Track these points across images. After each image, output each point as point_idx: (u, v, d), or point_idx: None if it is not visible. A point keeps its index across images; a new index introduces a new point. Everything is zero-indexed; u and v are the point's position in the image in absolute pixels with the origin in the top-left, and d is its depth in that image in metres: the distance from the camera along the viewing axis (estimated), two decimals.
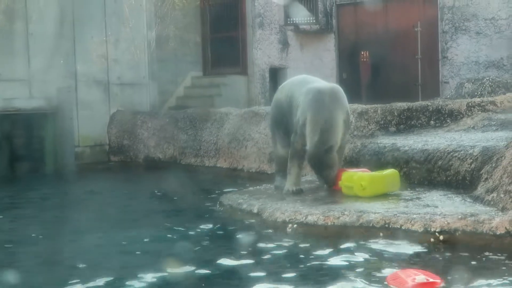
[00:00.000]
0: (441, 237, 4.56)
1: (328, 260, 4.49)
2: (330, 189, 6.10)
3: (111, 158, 11.67)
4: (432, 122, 7.86)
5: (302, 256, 4.69)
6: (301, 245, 4.97)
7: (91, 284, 4.15)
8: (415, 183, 6.33)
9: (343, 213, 5.10)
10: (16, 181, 9.89)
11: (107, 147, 11.74)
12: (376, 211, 5.05)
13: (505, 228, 4.42)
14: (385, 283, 3.90)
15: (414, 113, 7.95)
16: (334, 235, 4.97)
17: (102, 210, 7.21)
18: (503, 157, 5.27)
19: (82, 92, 11.40)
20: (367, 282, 3.93)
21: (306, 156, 6.00)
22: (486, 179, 5.40)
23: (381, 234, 4.79)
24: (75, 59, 11.36)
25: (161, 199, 7.84)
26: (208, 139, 10.09)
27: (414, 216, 4.81)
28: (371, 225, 4.87)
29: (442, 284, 3.81)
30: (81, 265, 4.66)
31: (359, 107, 8.22)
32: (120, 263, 4.76)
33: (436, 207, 5.14)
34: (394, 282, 3.86)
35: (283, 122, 6.40)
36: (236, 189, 7.09)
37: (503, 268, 4.08)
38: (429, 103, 8.26)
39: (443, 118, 7.85)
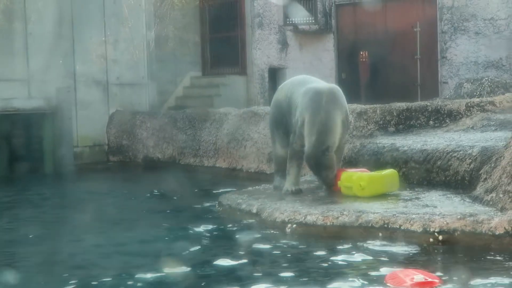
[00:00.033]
0: (440, 237, 4.57)
1: (327, 260, 4.49)
2: (329, 190, 6.10)
3: (110, 158, 11.66)
4: (431, 122, 7.86)
5: (301, 256, 4.70)
6: (300, 245, 4.98)
7: (90, 284, 4.15)
8: (414, 183, 6.33)
9: (342, 213, 5.10)
10: (15, 181, 9.89)
11: (106, 147, 11.73)
12: (375, 211, 5.05)
13: (504, 228, 4.42)
14: (384, 282, 3.90)
15: (413, 113, 7.96)
16: (333, 235, 4.98)
17: (101, 210, 7.21)
18: (502, 157, 5.28)
19: (81, 92, 11.40)
20: (366, 282, 3.94)
21: (304, 156, 6.00)
22: (485, 179, 5.40)
23: (380, 234, 4.80)
24: (74, 59, 11.36)
25: (160, 199, 7.84)
26: (207, 139, 10.09)
27: (413, 216, 4.81)
28: (370, 225, 4.87)
29: (441, 284, 3.82)
30: (80, 265, 4.67)
31: (358, 107, 8.22)
32: (119, 263, 4.76)
33: (435, 207, 5.15)
34: (392, 281, 3.87)
35: (282, 122, 6.40)
36: (235, 189, 7.09)
37: (502, 268, 4.09)
38: (428, 103, 8.26)
39: (442, 118, 7.85)
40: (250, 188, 6.84)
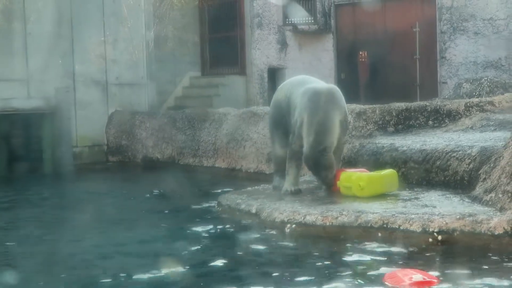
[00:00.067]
0: (439, 237, 4.56)
1: (326, 260, 4.49)
2: (329, 190, 6.10)
3: (109, 158, 11.66)
4: (430, 122, 7.86)
5: (300, 256, 4.70)
6: (299, 245, 4.98)
7: (89, 284, 4.15)
8: (413, 183, 6.33)
9: (341, 213, 5.10)
10: (14, 181, 9.88)
11: (105, 147, 11.73)
12: (375, 211, 5.05)
13: (503, 228, 4.42)
14: (383, 281, 3.91)
15: (412, 113, 7.96)
16: (333, 235, 4.97)
17: (100, 210, 7.21)
18: (501, 157, 5.28)
19: (80, 92, 11.40)
20: (365, 282, 3.94)
21: (303, 157, 6.00)
22: (484, 179, 5.40)
23: (379, 234, 4.79)
24: (73, 59, 11.36)
25: (159, 199, 7.84)
26: (207, 139, 10.09)
27: (413, 216, 4.81)
28: (369, 225, 4.87)
29: (439, 284, 3.82)
30: (79, 265, 4.67)
31: (357, 107, 8.22)
32: (118, 263, 4.76)
33: (434, 207, 5.15)
34: (391, 280, 3.88)
35: (282, 123, 6.40)
36: (234, 189, 7.09)
37: (501, 268, 4.09)
38: (427, 103, 8.26)
39: (441, 118, 7.86)
40: (249, 188, 6.84)
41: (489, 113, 7.78)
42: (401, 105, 8.12)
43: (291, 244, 5.02)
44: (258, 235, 5.28)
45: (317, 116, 5.88)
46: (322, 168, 5.95)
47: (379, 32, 14.46)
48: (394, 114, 7.99)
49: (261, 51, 14.70)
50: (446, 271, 4.04)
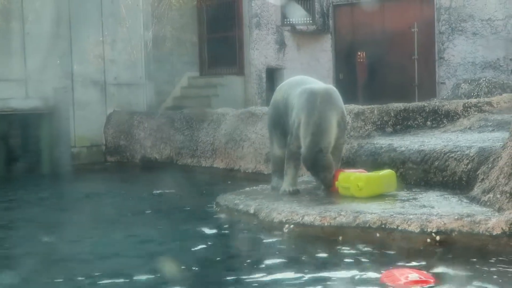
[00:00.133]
0: (438, 238, 4.57)
1: (324, 260, 4.49)
2: (327, 191, 6.10)
3: (108, 159, 11.66)
4: (428, 122, 7.87)
5: (298, 256, 4.70)
6: (298, 246, 4.98)
7: (88, 284, 4.15)
8: (412, 183, 6.33)
9: (339, 213, 5.10)
10: (12, 182, 9.87)
11: (103, 147, 11.73)
12: (373, 212, 5.05)
13: (501, 228, 4.42)
14: (380, 280, 3.91)
15: (410, 114, 7.96)
16: (331, 236, 4.97)
17: (98, 210, 7.21)
18: (499, 158, 5.28)
19: (79, 93, 11.39)
20: (363, 282, 3.94)
21: (301, 158, 6.00)
22: (483, 179, 5.40)
23: (377, 234, 4.79)
24: (72, 59, 11.35)
25: (158, 199, 7.84)
26: (205, 140, 10.09)
27: (411, 216, 4.81)
28: (367, 225, 4.87)
29: (436, 284, 3.83)
30: (78, 266, 4.66)
31: (355, 107, 8.22)
32: (117, 263, 4.75)
33: (433, 207, 5.15)
34: (387, 279, 3.90)
35: (280, 123, 6.40)
36: (233, 190, 7.09)
37: (499, 268, 4.09)
38: (425, 104, 8.26)
39: (440, 118, 7.86)
40: (247, 189, 6.84)
41: (487, 113, 7.78)
42: (399, 105, 8.12)
43: (289, 245, 5.01)
44: (256, 236, 5.28)
45: (314, 117, 5.88)
46: (320, 169, 5.94)
47: (377, 33, 14.47)
48: (392, 114, 7.99)
49: (259, 51, 14.69)
50: (444, 271, 4.04)
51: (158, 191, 8.15)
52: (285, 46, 15.07)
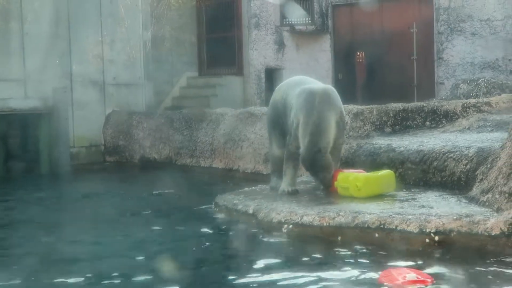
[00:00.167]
0: (436, 238, 4.57)
1: (323, 260, 4.50)
2: (326, 191, 6.10)
3: (107, 159, 11.65)
4: (427, 123, 7.87)
5: (297, 256, 4.70)
6: (297, 246, 4.98)
7: (87, 284, 4.15)
8: (411, 184, 6.34)
9: (338, 213, 5.11)
10: (11, 182, 9.87)
11: (102, 147, 11.72)
12: (372, 212, 5.05)
13: (500, 228, 4.43)
14: (377, 279, 3.92)
15: (409, 114, 7.97)
16: (330, 236, 4.98)
17: (97, 210, 7.20)
18: (498, 158, 5.29)
19: (78, 93, 11.39)
20: (362, 282, 3.95)
21: (300, 158, 6.00)
22: (481, 180, 5.41)
23: (376, 235, 4.79)
24: (71, 59, 11.34)
25: (157, 199, 7.83)
26: (204, 140, 10.09)
27: (410, 217, 4.81)
28: (366, 225, 4.87)
29: (434, 284, 3.83)
30: (76, 266, 4.66)
31: (354, 107, 8.22)
32: (116, 263, 4.75)
33: (432, 207, 5.15)
34: (385, 279, 3.91)
35: (279, 123, 6.40)
36: (232, 190, 7.09)
37: (498, 268, 4.09)
38: (424, 104, 8.27)
39: (439, 119, 7.87)
40: (246, 189, 6.84)
41: (486, 113, 7.79)
42: (398, 105, 8.12)
43: (288, 245, 5.02)
44: (255, 236, 5.28)
45: (313, 117, 5.88)
46: (319, 169, 5.95)
47: (376, 33, 14.48)
48: (391, 114, 8.00)
49: (258, 51, 14.69)
50: (442, 272, 4.05)
51: (157, 191, 8.15)
52: (284, 46, 15.07)
